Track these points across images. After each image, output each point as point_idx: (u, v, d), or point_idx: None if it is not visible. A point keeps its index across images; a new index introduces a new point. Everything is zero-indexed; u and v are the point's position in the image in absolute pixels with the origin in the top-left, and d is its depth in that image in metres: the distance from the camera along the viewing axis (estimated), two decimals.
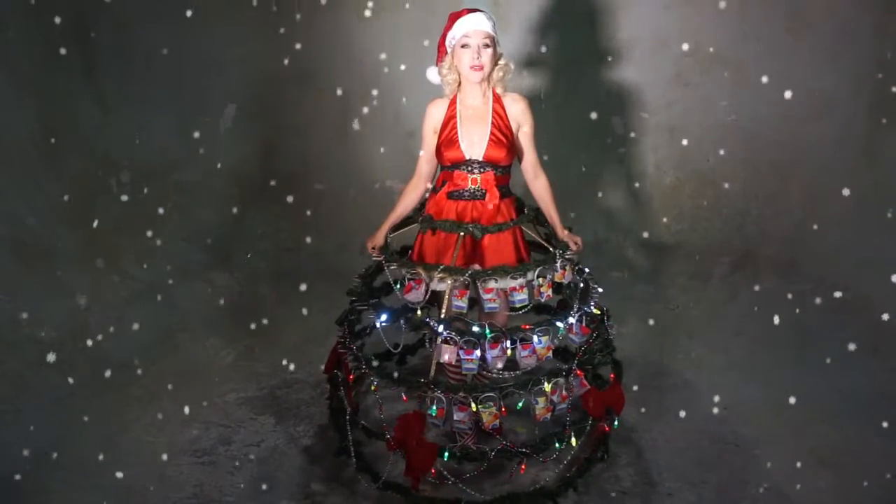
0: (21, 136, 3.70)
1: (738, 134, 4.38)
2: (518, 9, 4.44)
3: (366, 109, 4.66)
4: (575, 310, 2.52)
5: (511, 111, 2.57)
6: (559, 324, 2.47)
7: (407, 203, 2.67)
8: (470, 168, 2.54)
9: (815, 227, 4.08)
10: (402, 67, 4.50)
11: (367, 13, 4.51)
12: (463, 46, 2.49)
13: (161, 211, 4.27)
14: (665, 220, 4.52)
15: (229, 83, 4.54)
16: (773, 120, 4.27)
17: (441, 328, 2.40)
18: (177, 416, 3.04)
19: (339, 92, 4.63)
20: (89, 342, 3.40)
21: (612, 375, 2.68)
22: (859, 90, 4.12)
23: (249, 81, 4.59)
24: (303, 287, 3.82)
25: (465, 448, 2.44)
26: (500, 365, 2.42)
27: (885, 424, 2.88)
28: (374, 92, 4.62)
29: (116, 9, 4.03)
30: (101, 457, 2.72)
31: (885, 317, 3.31)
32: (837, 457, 2.73)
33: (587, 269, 2.69)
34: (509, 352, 2.39)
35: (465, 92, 2.58)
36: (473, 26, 2.47)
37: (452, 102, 2.58)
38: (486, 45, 2.48)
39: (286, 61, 4.55)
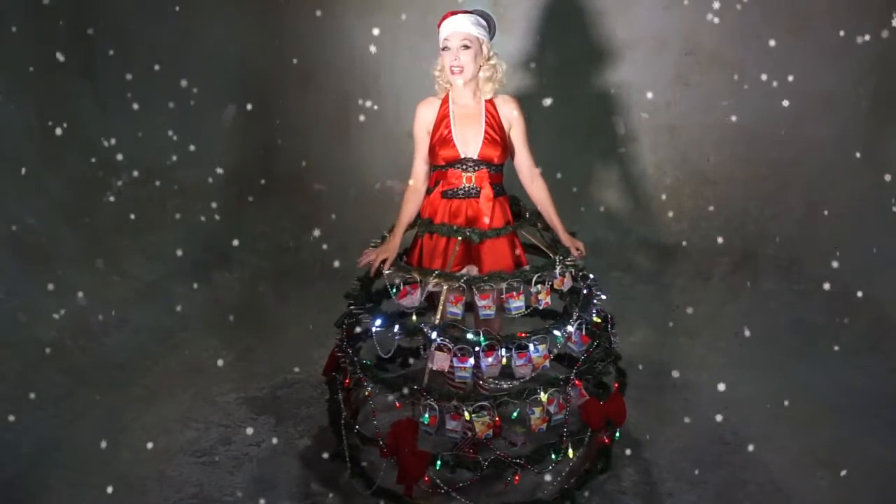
0: (21, 136, 3.71)
1: (738, 134, 4.38)
2: (518, 8, 4.44)
3: (365, 109, 4.66)
4: (574, 318, 2.50)
5: (502, 111, 2.58)
6: (557, 332, 2.44)
7: (411, 210, 2.63)
8: (464, 166, 2.55)
9: (816, 226, 4.09)
10: (402, 67, 4.50)
11: (367, 13, 4.51)
12: (444, 49, 2.50)
13: (161, 211, 4.27)
14: (665, 220, 4.52)
15: (229, 83, 4.55)
16: (773, 120, 4.27)
17: (435, 335, 2.38)
18: (177, 416, 3.04)
19: (338, 92, 4.64)
20: (89, 342, 3.41)
21: (615, 385, 2.63)
22: (859, 90, 4.12)
23: (250, 81, 4.59)
24: (302, 287, 3.82)
25: (458, 457, 2.41)
26: (495, 373, 2.39)
27: (885, 424, 2.89)
28: (374, 92, 4.62)
29: (116, 8, 4.04)
30: (101, 456, 2.73)
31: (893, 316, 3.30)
32: (837, 457, 2.73)
33: (591, 276, 2.67)
34: (504, 360, 2.36)
35: (456, 92, 2.58)
36: (451, 29, 2.48)
37: (444, 102, 2.59)
38: (466, 47, 2.48)
39: (286, 61, 4.56)
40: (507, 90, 2.66)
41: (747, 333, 3.46)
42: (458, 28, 2.48)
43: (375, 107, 4.64)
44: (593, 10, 4.39)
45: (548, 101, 3.86)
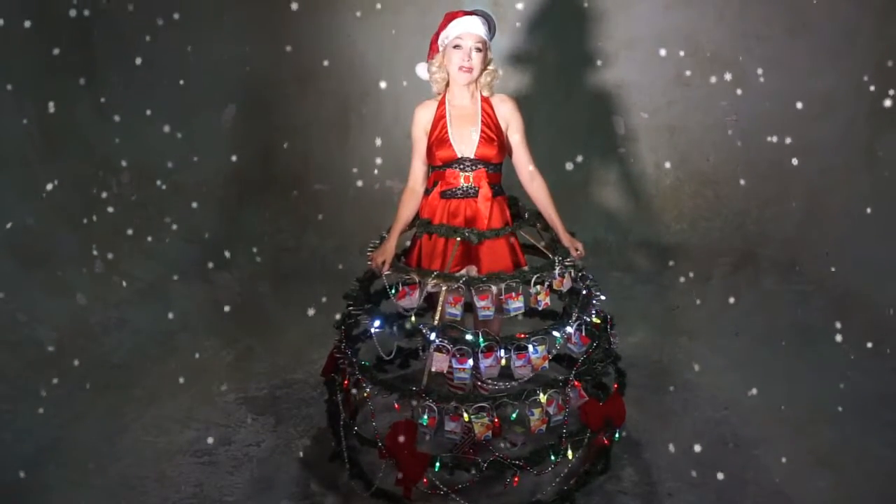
0: (21, 137, 3.71)
1: (738, 134, 4.38)
2: (518, 8, 4.44)
3: (365, 109, 4.66)
4: (573, 319, 2.49)
5: (499, 111, 2.58)
6: (556, 333, 2.43)
7: (409, 212, 2.63)
8: (462, 166, 2.55)
9: (816, 226, 4.08)
10: (402, 67, 4.50)
11: (367, 12, 4.51)
12: (455, 47, 2.50)
13: (161, 211, 4.27)
14: (665, 220, 4.52)
15: (229, 83, 4.54)
16: (773, 120, 4.27)
17: (433, 336, 2.37)
18: (177, 416, 3.04)
19: (338, 92, 4.64)
20: (89, 342, 3.41)
21: (615, 386, 2.62)
22: (859, 90, 4.11)
23: (249, 81, 4.59)
24: (302, 287, 3.82)
25: (457, 458, 2.40)
26: (494, 374, 2.39)
27: (885, 424, 2.89)
28: (374, 92, 4.62)
29: (115, 9, 4.04)
30: (101, 457, 2.73)
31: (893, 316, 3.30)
32: (837, 457, 2.73)
33: (591, 276, 2.66)
34: (503, 361, 2.36)
35: (453, 92, 2.59)
36: (467, 29, 2.48)
37: (441, 103, 2.59)
38: (478, 49, 2.49)
39: (286, 61, 4.56)
40: (507, 90, 2.66)
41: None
42: (474, 29, 2.48)
43: (375, 107, 4.64)
44: (593, 9, 4.39)
45: (570, 166, 3.89)
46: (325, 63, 4.61)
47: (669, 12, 4.37)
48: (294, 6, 4.43)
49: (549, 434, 2.44)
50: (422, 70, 2.65)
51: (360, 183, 4.65)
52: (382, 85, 4.56)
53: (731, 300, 3.97)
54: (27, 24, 3.71)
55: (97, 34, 4.11)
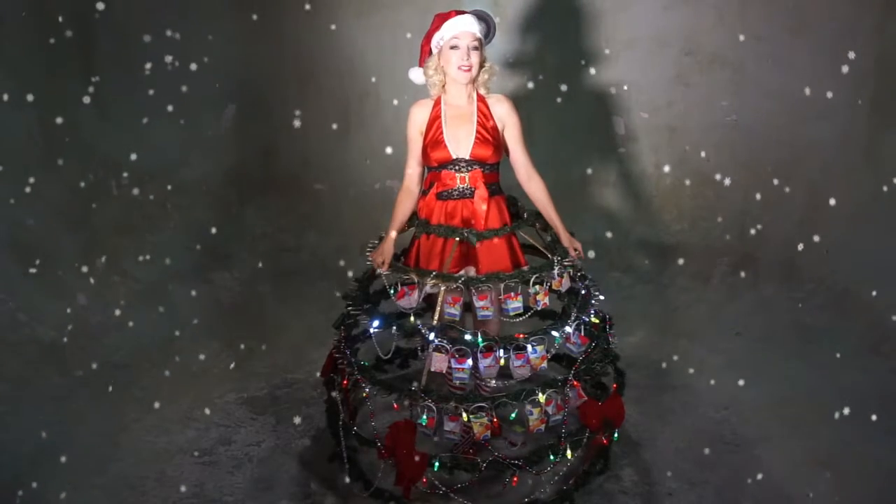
0: (21, 137, 3.71)
1: (738, 134, 4.38)
2: (518, 8, 4.44)
3: (365, 109, 4.66)
4: (572, 318, 2.49)
5: (496, 111, 2.57)
6: (555, 333, 2.43)
7: (405, 212, 2.63)
8: (457, 167, 2.54)
9: (816, 227, 4.08)
10: (402, 67, 4.49)
11: (367, 12, 4.51)
12: (452, 48, 2.50)
13: (161, 211, 4.28)
14: (665, 220, 4.51)
15: (229, 83, 4.54)
16: (773, 120, 4.26)
17: (432, 336, 2.38)
18: (177, 416, 3.04)
19: (338, 92, 4.64)
20: (89, 343, 3.41)
21: (614, 386, 2.62)
22: (859, 90, 4.11)
23: (249, 81, 4.59)
24: (303, 287, 3.81)
25: (456, 458, 2.40)
26: (493, 374, 2.38)
27: (884, 425, 2.89)
28: (374, 92, 4.62)
29: (116, 9, 4.04)
30: (101, 457, 2.73)
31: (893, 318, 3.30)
32: (837, 457, 2.73)
33: (589, 276, 2.66)
34: (502, 361, 2.36)
35: (449, 93, 2.58)
36: (463, 28, 2.48)
37: (436, 103, 2.58)
38: (475, 48, 2.49)
39: (286, 61, 4.56)
40: (506, 90, 2.66)
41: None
42: (469, 28, 2.48)
43: (375, 107, 4.64)
44: (593, 9, 4.39)
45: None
46: (325, 63, 4.61)
47: (669, 12, 4.36)
48: (294, 6, 4.45)
49: (548, 434, 2.44)
50: (415, 75, 2.64)
51: (359, 183, 4.66)
52: (382, 85, 4.58)
53: (731, 300, 3.98)
54: (28, 21, 3.72)
55: (99, 34, 4.11)
